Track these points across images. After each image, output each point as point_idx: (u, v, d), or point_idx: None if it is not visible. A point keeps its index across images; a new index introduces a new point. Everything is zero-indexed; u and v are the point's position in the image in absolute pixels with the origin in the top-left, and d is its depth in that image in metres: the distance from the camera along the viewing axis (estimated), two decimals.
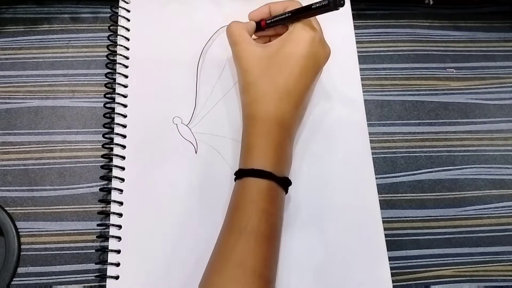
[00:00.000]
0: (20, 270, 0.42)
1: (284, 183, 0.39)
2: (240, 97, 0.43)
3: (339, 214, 0.43)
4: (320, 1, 0.38)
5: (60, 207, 0.44)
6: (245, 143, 0.40)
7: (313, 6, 0.38)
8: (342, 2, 0.36)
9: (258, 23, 0.44)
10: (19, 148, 0.45)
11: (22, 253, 0.42)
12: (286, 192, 0.39)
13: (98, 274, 0.42)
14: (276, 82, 0.39)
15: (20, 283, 0.42)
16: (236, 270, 0.34)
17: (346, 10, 0.50)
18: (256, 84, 0.40)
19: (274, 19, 0.43)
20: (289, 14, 0.41)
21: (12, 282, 0.41)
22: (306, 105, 0.43)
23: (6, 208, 0.43)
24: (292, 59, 0.39)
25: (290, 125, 0.40)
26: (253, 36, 0.45)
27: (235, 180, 0.39)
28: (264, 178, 0.37)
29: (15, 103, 0.47)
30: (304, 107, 0.43)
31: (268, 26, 0.44)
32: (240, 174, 0.38)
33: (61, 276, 0.42)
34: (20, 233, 0.43)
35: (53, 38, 0.49)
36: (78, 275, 0.42)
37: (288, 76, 0.39)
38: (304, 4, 0.40)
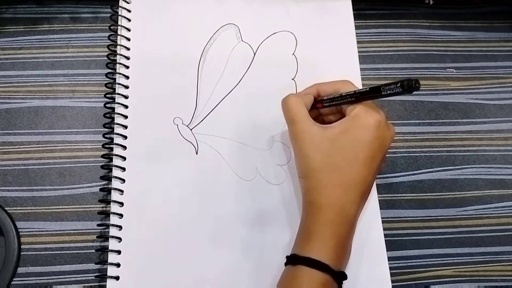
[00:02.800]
0: (20, 270, 0.42)
1: (340, 277, 0.36)
2: (299, 180, 0.40)
3: None
4: (391, 86, 0.34)
5: (60, 207, 0.44)
6: (304, 229, 0.38)
7: (383, 91, 0.35)
8: (417, 85, 0.33)
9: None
10: (19, 148, 0.45)
11: (22, 253, 0.42)
12: (340, 287, 0.36)
13: (98, 274, 0.42)
14: (341, 170, 0.37)
15: (20, 283, 0.42)
16: None
17: (347, 10, 0.50)
18: (319, 171, 0.37)
19: (333, 101, 0.40)
20: (353, 97, 0.38)
21: (12, 282, 0.41)
22: (370, 191, 0.39)
23: (6, 208, 0.43)
24: (358, 146, 0.37)
25: (354, 215, 0.37)
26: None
27: (285, 264, 0.37)
28: (320, 270, 0.34)
29: (15, 103, 0.47)
30: (368, 195, 0.39)
31: (325, 107, 0.41)
32: (294, 260, 0.36)
33: (61, 276, 0.42)
34: (20, 233, 0.43)
35: (53, 38, 0.49)
36: (78, 275, 0.42)
37: (354, 164, 0.37)
38: (353, 83, 0.40)
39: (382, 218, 0.44)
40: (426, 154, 0.48)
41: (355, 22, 0.50)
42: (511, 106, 0.50)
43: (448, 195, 0.47)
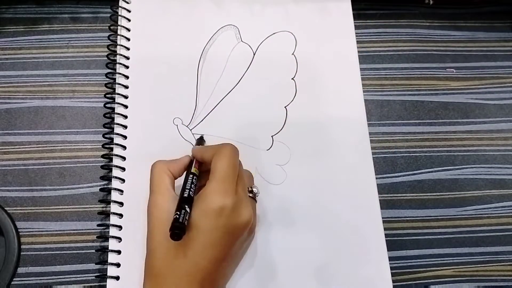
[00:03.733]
0: (20, 270, 0.42)
1: None
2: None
3: (339, 214, 0.43)
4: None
5: (60, 207, 0.44)
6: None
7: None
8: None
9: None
10: (19, 148, 0.45)
11: (22, 253, 0.42)
12: None
13: (98, 274, 0.42)
14: (176, 257, 0.34)
15: (20, 283, 0.42)
16: None
17: (347, 10, 0.50)
18: (155, 253, 0.34)
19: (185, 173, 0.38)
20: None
21: (12, 282, 0.41)
22: (219, 279, 0.36)
23: (6, 208, 0.43)
24: (195, 234, 0.33)
25: None
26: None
27: None
28: None
29: (15, 103, 0.47)
30: (215, 283, 0.35)
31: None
32: None
33: (61, 276, 0.42)
34: (20, 233, 0.43)
35: (53, 38, 0.49)
36: (78, 275, 0.42)
37: (189, 252, 0.33)
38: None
39: (382, 218, 0.44)
40: (426, 154, 0.48)
41: (355, 22, 0.50)
42: (511, 106, 0.50)
43: (448, 195, 0.47)
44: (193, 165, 0.38)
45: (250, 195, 0.39)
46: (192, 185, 0.36)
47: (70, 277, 0.42)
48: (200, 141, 0.44)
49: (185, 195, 0.35)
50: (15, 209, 0.43)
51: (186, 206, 0.33)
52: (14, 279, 0.42)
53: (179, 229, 0.32)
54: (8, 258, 0.42)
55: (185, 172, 0.39)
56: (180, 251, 0.33)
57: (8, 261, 0.41)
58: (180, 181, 0.38)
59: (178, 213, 0.33)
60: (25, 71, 0.48)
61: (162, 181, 0.37)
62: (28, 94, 0.47)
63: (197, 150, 0.39)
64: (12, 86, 0.47)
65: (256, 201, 0.40)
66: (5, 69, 0.48)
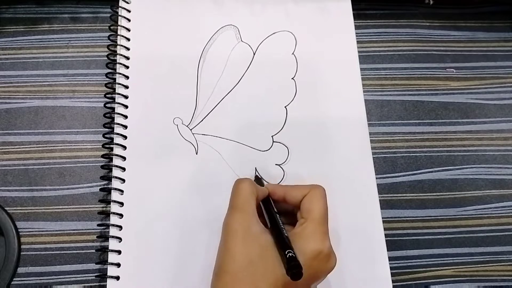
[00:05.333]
0: (20, 270, 0.42)
1: None
2: (212, 276, 0.35)
3: (338, 214, 0.43)
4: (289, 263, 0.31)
5: (60, 207, 0.44)
6: None
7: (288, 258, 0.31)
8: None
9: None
10: (19, 148, 0.45)
11: (22, 253, 0.42)
12: None
13: (98, 274, 0.42)
14: (254, 284, 0.32)
15: (20, 283, 0.42)
16: None
17: (347, 10, 0.50)
18: (234, 275, 0.32)
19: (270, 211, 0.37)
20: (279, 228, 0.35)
21: (12, 282, 0.41)
22: None
23: (6, 208, 0.43)
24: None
25: None
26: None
27: None
28: None
29: (15, 103, 0.47)
30: None
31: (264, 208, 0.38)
32: None
33: (61, 276, 0.42)
34: (20, 233, 0.43)
35: (53, 38, 0.49)
36: (78, 275, 0.42)
37: (270, 284, 0.32)
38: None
39: (382, 218, 0.44)
40: (426, 154, 0.48)
41: (355, 22, 0.50)
42: (511, 106, 0.50)
43: (448, 195, 0.47)
44: (272, 204, 0.38)
45: None
46: (283, 225, 0.35)
47: (70, 277, 0.42)
48: (259, 181, 0.43)
49: (286, 234, 0.34)
50: (15, 209, 0.43)
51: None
52: (14, 279, 0.42)
53: (298, 268, 0.30)
54: (8, 258, 0.42)
55: (262, 205, 0.38)
56: (262, 283, 0.32)
57: (8, 261, 0.41)
58: None
59: (292, 252, 0.31)
60: (25, 71, 0.48)
61: (250, 202, 0.36)
62: (28, 94, 0.47)
63: (278, 189, 0.39)
64: (12, 86, 0.47)
65: None
66: (5, 69, 0.48)
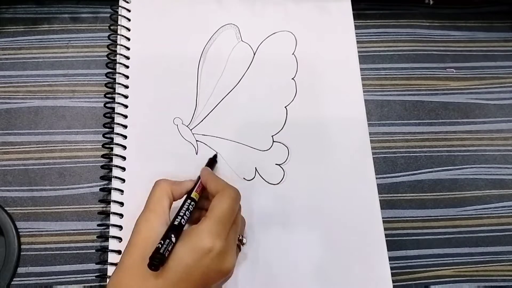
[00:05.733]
0: (20, 270, 0.42)
1: None
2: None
3: (338, 214, 0.43)
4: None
5: (60, 207, 0.44)
6: None
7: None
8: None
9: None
10: (19, 148, 0.45)
11: (22, 253, 0.42)
12: None
13: (98, 274, 0.42)
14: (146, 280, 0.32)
15: (20, 283, 0.42)
16: None
17: (347, 10, 0.50)
18: (128, 269, 0.33)
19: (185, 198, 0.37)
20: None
21: (12, 282, 0.41)
22: None
23: (6, 208, 0.43)
24: (178, 266, 0.32)
25: None
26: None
27: None
28: None
29: (15, 103, 0.47)
30: None
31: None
32: None
33: (61, 276, 0.42)
34: (20, 233, 0.43)
35: (53, 38, 0.49)
36: (78, 275, 0.42)
37: (165, 285, 0.32)
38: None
39: (382, 218, 0.44)
40: (426, 154, 0.48)
41: (355, 22, 0.50)
42: (511, 106, 0.50)
43: (448, 195, 0.47)
44: (195, 189, 0.38)
45: (237, 242, 0.37)
46: (187, 212, 0.36)
47: (70, 277, 0.42)
48: (212, 161, 0.43)
49: (176, 222, 0.34)
50: (15, 209, 0.43)
51: (173, 236, 0.33)
52: (14, 279, 0.42)
53: (158, 260, 0.31)
54: (8, 258, 0.42)
55: (185, 196, 0.38)
56: (152, 278, 0.32)
57: (8, 261, 0.41)
58: (178, 203, 0.37)
59: (162, 242, 0.32)
60: (25, 71, 0.48)
61: (161, 202, 0.36)
62: (28, 94, 0.47)
63: (205, 174, 0.39)
64: (12, 86, 0.47)
65: (240, 250, 0.40)
66: (5, 69, 0.48)
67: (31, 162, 0.45)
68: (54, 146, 0.46)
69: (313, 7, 0.50)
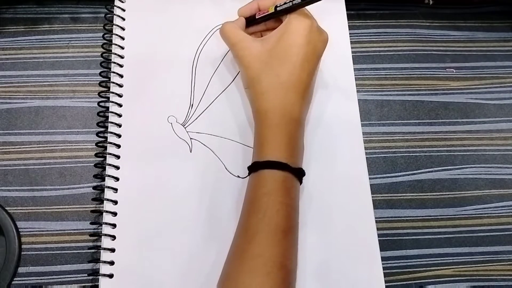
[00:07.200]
0: (21, 269, 0.42)
1: (299, 173, 0.38)
2: (246, 92, 0.44)
3: (332, 213, 0.43)
4: None
5: (61, 207, 0.44)
6: (257, 136, 0.40)
7: None
8: None
9: (249, 19, 0.44)
10: (20, 148, 0.45)
11: (22, 252, 0.42)
12: (301, 182, 0.39)
13: (91, 272, 0.41)
14: (279, 74, 0.39)
15: (21, 282, 0.42)
16: (255, 261, 0.34)
17: (340, 10, 0.50)
18: (259, 78, 0.40)
19: (268, 13, 0.43)
20: (287, 8, 0.41)
21: (13, 282, 0.41)
22: (312, 93, 0.42)
23: (6, 208, 0.43)
24: (292, 49, 0.39)
25: (299, 115, 0.40)
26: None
27: (249, 174, 0.39)
28: (280, 169, 0.37)
29: (15, 103, 0.47)
30: (310, 95, 0.42)
31: (262, 20, 0.44)
32: (255, 167, 0.38)
33: (61, 276, 0.42)
34: (21, 233, 0.43)
35: (53, 38, 0.49)
36: (78, 275, 0.42)
37: (290, 67, 0.39)
38: None
39: (382, 218, 0.44)
40: (426, 154, 0.48)
41: (355, 22, 0.50)
42: (511, 106, 0.50)
43: (448, 195, 0.47)
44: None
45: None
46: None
47: (70, 277, 0.42)
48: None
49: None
50: (15, 209, 0.44)
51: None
52: (15, 278, 0.42)
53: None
54: (9, 257, 0.42)
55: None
56: (284, 68, 0.39)
57: (8, 261, 0.42)
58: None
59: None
60: (26, 71, 0.48)
61: (238, 33, 0.42)
62: (29, 94, 0.47)
63: (259, 1, 0.44)
64: (13, 86, 0.47)
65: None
66: (6, 69, 0.48)
67: (31, 162, 0.45)
68: (54, 146, 0.46)
69: (308, 6, 0.50)
